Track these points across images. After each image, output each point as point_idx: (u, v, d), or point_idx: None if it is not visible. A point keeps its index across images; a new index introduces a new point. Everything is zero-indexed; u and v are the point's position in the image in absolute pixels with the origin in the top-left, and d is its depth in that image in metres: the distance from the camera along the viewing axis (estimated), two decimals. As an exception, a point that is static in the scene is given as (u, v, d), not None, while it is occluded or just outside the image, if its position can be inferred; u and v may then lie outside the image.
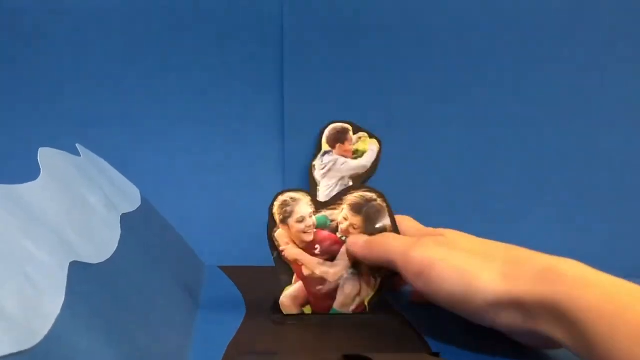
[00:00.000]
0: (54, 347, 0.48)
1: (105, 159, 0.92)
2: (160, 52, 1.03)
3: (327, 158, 1.01)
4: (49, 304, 0.51)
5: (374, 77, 1.02)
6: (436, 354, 0.75)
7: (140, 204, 0.89)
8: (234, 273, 0.98)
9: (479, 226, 0.89)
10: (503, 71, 1.03)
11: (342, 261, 0.88)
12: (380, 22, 1.02)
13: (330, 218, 0.87)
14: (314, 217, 0.85)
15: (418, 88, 1.03)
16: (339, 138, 1.01)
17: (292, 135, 1.01)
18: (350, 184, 1.00)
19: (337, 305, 0.88)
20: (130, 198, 0.88)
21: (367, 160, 1.02)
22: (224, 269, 0.99)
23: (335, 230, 0.88)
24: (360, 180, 1.01)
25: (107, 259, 0.67)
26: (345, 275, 0.88)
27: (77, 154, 0.82)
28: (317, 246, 0.88)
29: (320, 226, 0.88)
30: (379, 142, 1.02)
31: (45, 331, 0.48)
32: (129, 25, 1.03)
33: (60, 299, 0.53)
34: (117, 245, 0.71)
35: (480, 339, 0.76)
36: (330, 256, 0.88)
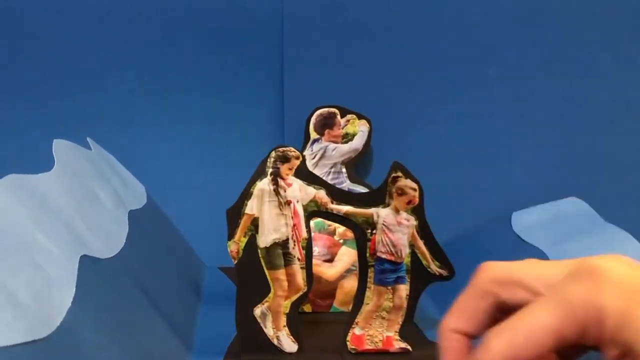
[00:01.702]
0: (65, 338, 0.49)
1: (105, 159, 0.92)
2: (161, 52, 1.04)
3: (316, 146, 1.00)
4: (60, 295, 0.52)
5: (375, 77, 1.03)
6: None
7: (146, 201, 0.89)
8: (235, 274, 0.99)
9: (477, 225, 0.90)
10: (503, 71, 1.04)
11: (340, 262, 0.88)
12: (381, 23, 1.03)
13: (328, 222, 0.87)
14: (312, 222, 0.81)
15: (419, 87, 1.04)
16: (326, 124, 1.00)
17: (292, 135, 1.01)
18: (344, 170, 1.00)
19: (337, 304, 0.89)
20: (137, 195, 0.88)
21: (358, 142, 1.01)
22: (225, 270, 0.99)
23: (332, 233, 0.89)
24: (353, 162, 1.01)
25: (115, 255, 0.67)
26: (344, 275, 0.89)
27: (88, 147, 0.82)
28: (315, 248, 0.88)
29: (317, 230, 0.88)
30: (369, 121, 1.01)
31: (57, 322, 0.49)
32: (130, 25, 1.03)
33: (71, 291, 0.53)
34: (124, 241, 0.71)
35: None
36: (328, 257, 0.89)
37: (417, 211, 0.78)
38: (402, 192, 0.77)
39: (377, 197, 0.78)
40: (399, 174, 0.77)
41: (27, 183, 0.58)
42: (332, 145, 0.99)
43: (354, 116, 0.99)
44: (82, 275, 0.56)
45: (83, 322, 0.53)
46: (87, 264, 0.58)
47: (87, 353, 0.52)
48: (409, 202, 0.77)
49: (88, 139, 0.83)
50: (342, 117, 0.99)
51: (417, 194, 0.77)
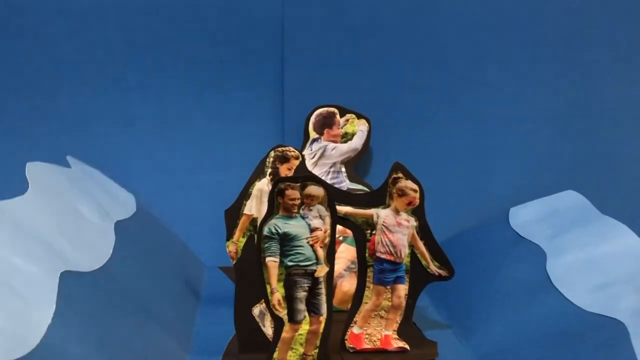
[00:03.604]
0: (46, 355, 0.50)
1: (104, 159, 0.93)
2: (160, 52, 1.04)
3: (315, 146, 1.00)
4: (39, 314, 0.53)
5: (375, 77, 1.03)
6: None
7: (135, 210, 0.90)
8: (234, 273, 0.99)
9: (476, 223, 0.89)
10: (503, 71, 1.03)
11: (340, 259, 0.88)
12: (381, 23, 1.02)
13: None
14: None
15: (419, 87, 1.04)
16: (325, 123, 1.00)
17: (292, 134, 1.01)
18: (343, 169, 0.99)
19: (336, 302, 0.89)
20: (124, 205, 0.89)
21: (357, 142, 1.01)
22: (224, 269, 0.99)
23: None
24: (352, 162, 1.01)
25: (101, 266, 0.68)
26: (343, 274, 0.89)
27: (68, 165, 0.83)
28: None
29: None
30: (368, 121, 1.01)
31: (36, 340, 0.50)
32: (129, 25, 1.03)
33: (51, 308, 0.54)
34: (111, 252, 0.72)
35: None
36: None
37: (418, 212, 0.78)
38: (402, 193, 0.77)
39: (377, 198, 0.78)
40: (400, 175, 0.77)
41: (1, 209, 0.59)
42: (332, 145, 0.99)
43: (353, 115, 0.99)
44: (63, 292, 0.57)
45: (66, 337, 0.54)
46: (70, 279, 0.59)
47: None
48: (410, 203, 0.77)
49: (68, 157, 0.84)
50: (341, 116, 0.99)
51: (417, 195, 0.77)
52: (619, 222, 0.83)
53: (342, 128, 0.99)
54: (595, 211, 0.88)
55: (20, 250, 0.56)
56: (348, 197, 0.78)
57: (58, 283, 0.57)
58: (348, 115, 0.99)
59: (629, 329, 0.66)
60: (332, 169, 0.99)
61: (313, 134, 0.99)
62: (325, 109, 0.99)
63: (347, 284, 0.88)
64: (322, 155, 0.99)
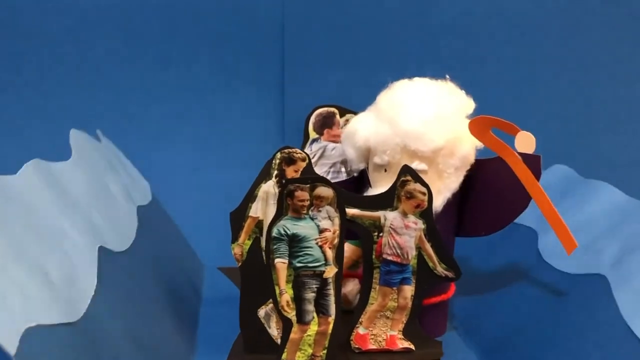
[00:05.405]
0: (89, 326, 0.49)
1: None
2: (161, 51, 1.04)
3: (315, 146, 1.00)
4: (84, 283, 0.51)
5: (375, 76, 1.03)
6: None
7: (151, 198, 0.89)
8: (234, 274, 0.98)
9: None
10: (503, 70, 1.05)
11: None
12: (381, 23, 1.03)
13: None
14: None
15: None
16: (325, 123, 1.00)
17: (292, 133, 1.02)
18: (343, 169, 0.99)
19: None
20: (143, 191, 0.88)
21: None
22: (224, 270, 0.98)
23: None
24: None
25: (127, 249, 0.67)
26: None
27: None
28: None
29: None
30: None
31: (83, 309, 0.49)
32: (130, 24, 1.03)
33: (93, 280, 0.53)
34: (134, 236, 0.71)
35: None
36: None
37: (426, 215, 0.77)
38: (410, 196, 0.76)
39: (385, 200, 0.77)
40: (408, 177, 0.76)
41: (51, 170, 0.58)
42: (332, 145, 0.99)
43: (353, 115, 1.00)
44: (101, 266, 0.56)
45: (103, 312, 0.53)
46: (105, 255, 0.58)
47: (109, 342, 0.52)
48: (418, 206, 0.76)
49: (97, 131, 0.83)
50: (341, 116, 0.99)
51: (426, 198, 0.76)
52: (603, 182, 0.84)
53: (342, 128, 0.99)
54: (580, 178, 0.90)
55: (67, 215, 0.55)
56: (355, 200, 0.78)
57: (97, 256, 0.56)
58: (348, 115, 0.99)
59: (610, 280, 0.67)
60: (332, 169, 0.98)
61: (313, 134, 0.98)
62: (325, 109, 0.98)
63: (349, 285, 0.88)
64: (322, 155, 0.98)
